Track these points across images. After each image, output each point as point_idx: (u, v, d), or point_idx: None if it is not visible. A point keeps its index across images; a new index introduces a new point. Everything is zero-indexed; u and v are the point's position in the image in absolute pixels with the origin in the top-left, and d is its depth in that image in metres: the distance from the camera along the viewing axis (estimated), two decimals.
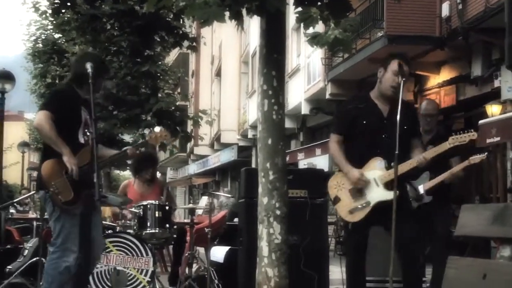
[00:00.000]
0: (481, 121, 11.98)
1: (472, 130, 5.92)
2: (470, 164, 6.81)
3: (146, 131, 16.73)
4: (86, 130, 5.84)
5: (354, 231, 5.83)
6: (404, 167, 5.65)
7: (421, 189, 7.07)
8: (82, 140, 5.81)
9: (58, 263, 5.70)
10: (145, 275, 7.29)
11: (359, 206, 5.71)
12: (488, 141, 11.49)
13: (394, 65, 5.76)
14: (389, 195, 5.60)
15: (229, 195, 18.40)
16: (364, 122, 5.80)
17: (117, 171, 46.93)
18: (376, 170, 5.70)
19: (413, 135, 5.90)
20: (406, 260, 5.66)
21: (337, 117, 6.22)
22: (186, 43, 19.06)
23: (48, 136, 5.66)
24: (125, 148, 6.27)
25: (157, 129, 6.38)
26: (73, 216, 5.69)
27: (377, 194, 5.69)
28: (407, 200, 5.89)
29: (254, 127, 26.71)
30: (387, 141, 5.65)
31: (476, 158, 6.78)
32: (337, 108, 6.38)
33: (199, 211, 12.55)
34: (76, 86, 5.93)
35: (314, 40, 5.60)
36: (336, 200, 5.83)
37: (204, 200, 13.41)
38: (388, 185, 5.65)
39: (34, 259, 8.13)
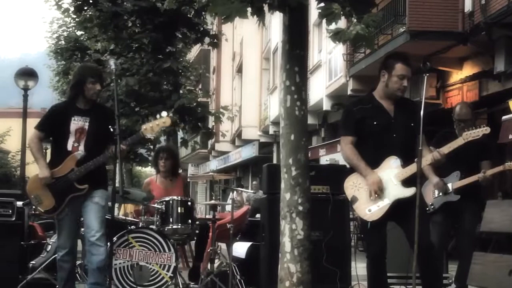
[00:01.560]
0: (504, 117, 11.90)
1: (484, 125, 6.02)
2: (505, 169, 6.80)
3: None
4: (80, 138, 6.42)
5: (374, 230, 5.80)
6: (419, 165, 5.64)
7: (450, 187, 7.07)
8: (70, 148, 6.42)
9: (57, 256, 6.65)
10: (168, 271, 7.32)
11: (378, 206, 5.69)
12: (510, 136, 11.42)
13: (398, 70, 5.78)
14: (407, 192, 5.62)
15: (254, 191, 18.38)
16: (375, 122, 5.79)
17: (138, 168, 47.17)
18: (392, 169, 5.70)
19: (418, 132, 5.84)
20: (422, 258, 5.59)
21: (345, 119, 6.12)
22: (207, 40, 19.10)
23: (31, 153, 6.56)
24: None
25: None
26: (61, 220, 6.48)
27: (395, 191, 5.67)
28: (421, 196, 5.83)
29: (275, 123, 26.69)
30: (397, 140, 5.71)
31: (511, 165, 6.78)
32: (343, 111, 6.33)
33: (228, 207, 12.51)
34: (72, 97, 6.57)
35: (337, 36, 5.59)
36: (354, 200, 5.80)
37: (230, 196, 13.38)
38: (405, 183, 5.65)
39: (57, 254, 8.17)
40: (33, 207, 12.87)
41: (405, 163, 5.69)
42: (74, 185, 6.36)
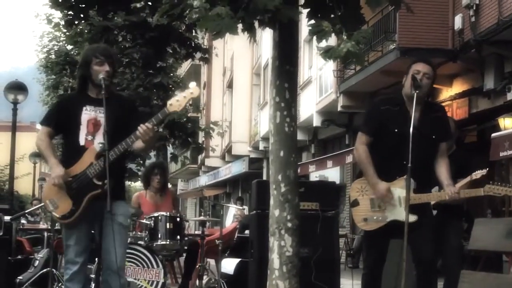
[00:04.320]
0: (493, 134, 11.92)
1: (510, 185, 5.65)
2: (472, 179, 6.74)
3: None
4: (93, 130, 5.48)
5: (370, 242, 5.79)
6: (432, 197, 5.59)
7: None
8: (83, 142, 5.47)
9: (64, 274, 5.58)
10: (156, 287, 7.28)
11: (375, 218, 5.66)
12: (501, 154, 11.44)
13: (413, 67, 5.67)
14: (408, 218, 5.44)
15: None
16: (396, 130, 5.60)
17: (128, 182, 47.02)
18: (403, 190, 5.50)
19: (442, 140, 5.74)
20: (423, 272, 5.60)
21: (368, 116, 5.94)
22: (198, 55, 19.12)
23: (40, 152, 5.64)
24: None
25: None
26: (73, 227, 5.44)
27: (396, 213, 5.60)
28: (429, 219, 5.76)
29: (265, 139, 26.70)
30: (414, 152, 5.35)
31: (477, 174, 6.72)
32: (369, 105, 6.15)
33: (228, 221, 12.47)
34: (81, 86, 5.68)
35: (327, 53, 5.59)
36: (355, 203, 5.76)
37: (232, 212, 13.31)
38: (410, 208, 5.45)
39: (45, 270, 8.14)
40: (24, 221, 12.83)
41: (419, 182, 5.50)
42: (93, 182, 5.30)
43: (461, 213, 7.10)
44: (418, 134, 5.46)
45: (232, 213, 12.50)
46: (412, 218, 5.42)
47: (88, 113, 5.50)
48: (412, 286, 5.74)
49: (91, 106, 5.52)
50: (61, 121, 5.58)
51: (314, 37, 5.60)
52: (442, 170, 5.66)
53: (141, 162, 21.13)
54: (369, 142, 5.74)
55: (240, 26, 5.52)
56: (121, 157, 5.47)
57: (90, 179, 5.33)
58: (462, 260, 7.02)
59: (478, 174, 6.65)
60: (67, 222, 5.43)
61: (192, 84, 5.61)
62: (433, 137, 5.61)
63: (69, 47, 24.90)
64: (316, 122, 21.65)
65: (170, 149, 22.10)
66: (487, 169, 6.57)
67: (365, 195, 5.70)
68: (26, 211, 11.64)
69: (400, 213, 5.56)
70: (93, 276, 5.48)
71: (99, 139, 5.38)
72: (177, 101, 5.35)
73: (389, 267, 6.22)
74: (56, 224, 9.57)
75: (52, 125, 5.60)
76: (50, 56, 28.07)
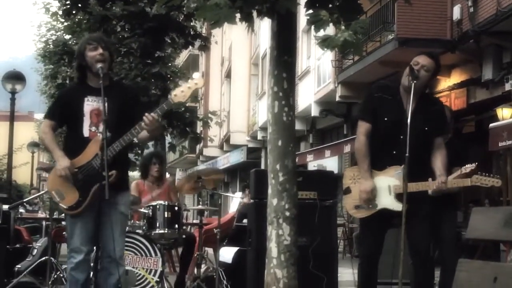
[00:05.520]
0: (491, 125, 11.96)
1: (498, 176, 5.77)
2: (462, 173, 6.76)
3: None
4: (97, 121, 5.47)
5: (365, 230, 5.82)
6: (420, 186, 5.58)
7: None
8: (87, 133, 5.47)
9: (68, 262, 5.58)
10: (154, 275, 7.31)
11: (365, 206, 5.70)
12: (500, 144, 11.47)
13: (413, 60, 5.67)
14: (397, 206, 5.56)
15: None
16: (386, 119, 5.65)
17: None
18: (393, 179, 5.59)
19: (437, 134, 5.74)
20: (419, 262, 5.64)
21: (364, 103, 5.98)
22: (197, 44, 19.10)
23: (44, 145, 5.69)
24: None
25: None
26: (78, 216, 5.45)
27: (386, 201, 5.65)
28: (422, 207, 5.77)
29: (263, 128, 26.71)
30: (404, 142, 5.40)
31: (467, 168, 6.74)
32: (365, 92, 6.15)
33: (233, 209, 12.44)
34: (80, 76, 5.67)
35: (325, 42, 5.58)
36: (347, 191, 5.80)
37: (237, 200, 13.27)
38: (399, 197, 5.55)
39: (43, 258, 8.16)
40: (22, 210, 12.84)
41: (410, 172, 5.45)
42: (100, 173, 5.21)
43: (455, 203, 7.13)
44: (411, 125, 5.45)
45: (238, 201, 12.46)
46: (400, 207, 5.46)
47: (90, 104, 5.49)
48: (408, 275, 5.77)
49: (93, 96, 5.50)
50: (64, 114, 5.59)
51: (312, 27, 5.60)
52: (437, 161, 5.69)
53: (139, 151, 21.14)
54: (368, 130, 5.73)
55: (238, 15, 5.52)
56: (125, 148, 5.50)
57: (96, 170, 5.31)
58: (459, 249, 7.05)
59: (468, 168, 6.67)
60: (74, 213, 5.45)
61: (196, 75, 5.61)
62: (426, 129, 5.61)
63: (67, 36, 24.85)
64: (314, 112, 21.68)
65: (168, 139, 22.10)
66: (476, 163, 6.57)
67: (357, 183, 5.73)
68: (24, 200, 11.69)
69: (389, 201, 5.62)
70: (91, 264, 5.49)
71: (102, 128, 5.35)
72: (181, 92, 5.40)
73: (384, 256, 6.26)
74: (55, 213, 9.62)
75: (55, 119, 5.62)
76: (48, 46, 28.03)
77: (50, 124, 5.59)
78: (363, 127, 5.78)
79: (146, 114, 5.29)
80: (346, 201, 5.81)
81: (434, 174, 5.68)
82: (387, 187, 5.65)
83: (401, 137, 5.48)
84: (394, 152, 5.53)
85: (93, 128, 5.47)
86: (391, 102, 5.69)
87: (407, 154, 5.35)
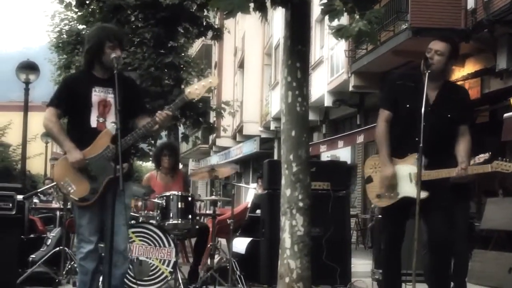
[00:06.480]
0: (506, 115, 11.87)
1: None
2: (475, 163, 6.72)
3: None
4: (104, 112, 5.44)
5: (386, 218, 5.79)
6: (441, 173, 5.53)
7: None
8: (94, 124, 5.42)
9: (77, 253, 5.58)
10: (167, 266, 7.32)
11: (387, 194, 5.65)
12: None
13: (428, 45, 5.59)
14: (419, 195, 5.48)
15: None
16: (408, 106, 5.58)
17: (139, 162, 47.16)
18: (414, 167, 5.52)
19: (461, 122, 5.64)
20: (438, 251, 5.59)
21: (385, 91, 5.92)
22: (210, 34, 19.09)
23: (51, 135, 5.54)
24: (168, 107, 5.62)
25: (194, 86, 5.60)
26: (87, 207, 5.42)
27: (408, 189, 5.58)
28: (443, 195, 5.72)
29: (276, 119, 26.67)
30: (427, 130, 5.37)
31: (480, 157, 6.70)
32: (385, 80, 6.09)
33: (249, 199, 12.43)
34: (88, 65, 5.59)
35: (339, 32, 5.57)
36: (369, 180, 5.74)
37: (252, 190, 13.21)
38: (421, 186, 5.47)
39: (57, 248, 8.18)
40: (36, 200, 12.90)
41: (431, 160, 5.47)
42: (111, 165, 5.20)
43: (469, 193, 7.09)
44: (431, 112, 5.43)
45: (253, 192, 12.43)
46: (423, 194, 5.42)
47: (98, 94, 5.45)
48: (421, 265, 5.74)
49: (100, 87, 5.46)
50: (70, 103, 5.48)
51: (326, 17, 5.58)
52: (459, 148, 5.61)
53: (153, 142, 21.17)
54: (389, 117, 5.67)
55: (252, 5, 5.51)
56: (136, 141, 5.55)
57: (108, 162, 5.31)
58: (472, 240, 7.01)
59: (481, 158, 6.63)
60: (86, 205, 5.42)
61: (213, 76, 5.61)
62: (448, 116, 5.55)
63: (81, 26, 24.92)
64: (328, 102, 21.61)
65: (181, 129, 22.12)
66: (490, 152, 6.53)
67: (379, 171, 5.68)
68: (38, 190, 11.73)
69: (410, 190, 5.55)
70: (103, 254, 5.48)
71: (110, 120, 5.38)
72: (196, 89, 5.46)
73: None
74: (68, 204, 9.64)
75: (61, 107, 5.50)
76: (61, 36, 28.13)
77: (56, 113, 5.48)
78: (383, 114, 5.72)
79: (159, 111, 5.36)
80: (368, 190, 5.76)
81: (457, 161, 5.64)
82: (407, 175, 5.59)
83: (424, 124, 5.40)
84: (416, 139, 5.42)
85: (101, 119, 5.43)
86: (413, 90, 5.59)
87: (421, 145, 5.33)
